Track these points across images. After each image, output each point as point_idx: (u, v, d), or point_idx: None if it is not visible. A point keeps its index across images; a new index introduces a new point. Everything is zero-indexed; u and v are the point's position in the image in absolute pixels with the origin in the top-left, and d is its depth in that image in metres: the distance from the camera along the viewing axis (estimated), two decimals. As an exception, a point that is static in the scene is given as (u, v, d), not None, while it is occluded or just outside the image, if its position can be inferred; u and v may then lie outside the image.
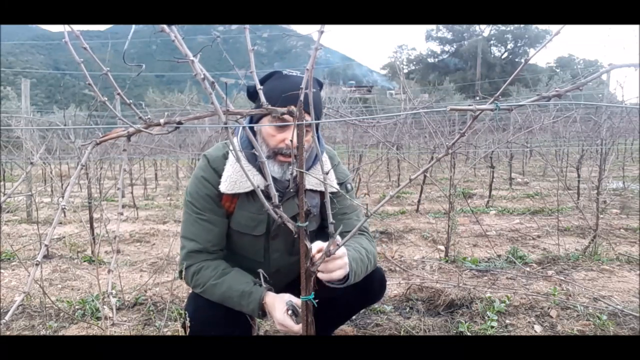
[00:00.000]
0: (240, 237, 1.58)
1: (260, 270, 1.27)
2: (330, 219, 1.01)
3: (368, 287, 1.68)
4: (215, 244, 1.53)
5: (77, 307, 2.45)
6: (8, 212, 5.48)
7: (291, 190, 1.40)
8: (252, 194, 1.51)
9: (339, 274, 1.24)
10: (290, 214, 1.38)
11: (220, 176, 1.51)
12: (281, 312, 1.32)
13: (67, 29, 0.74)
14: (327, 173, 1.57)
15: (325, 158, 1.57)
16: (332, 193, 1.50)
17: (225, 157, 1.53)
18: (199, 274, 1.48)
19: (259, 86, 0.88)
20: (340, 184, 1.59)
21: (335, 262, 1.23)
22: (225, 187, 1.48)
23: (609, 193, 5.45)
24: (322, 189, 1.51)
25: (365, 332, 2.12)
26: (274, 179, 1.40)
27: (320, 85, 1.52)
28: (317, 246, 1.21)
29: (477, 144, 5.65)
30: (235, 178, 1.48)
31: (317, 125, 1.43)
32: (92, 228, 3.53)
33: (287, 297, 1.36)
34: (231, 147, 1.54)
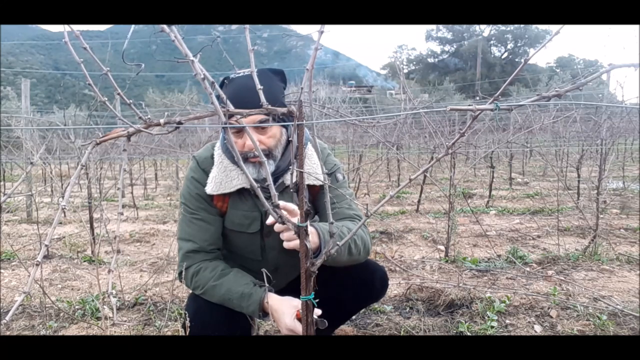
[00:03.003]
0: (236, 236, 1.58)
1: (264, 270, 1.27)
2: (330, 219, 1.01)
3: (369, 286, 1.67)
4: (212, 243, 1.53)
5: (77, 307, 2.45)
6: (8, 212, 5.48)
7: (291, 189, 1.40)
8: (242, 192, 1.51)
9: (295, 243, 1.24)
10: None
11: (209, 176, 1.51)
12: (290, 318, 1.31)
13: (67, 29, 0.74)
14: (329, 173, 1.57)
15: (311, 151, 1.53)
16: (321, 186, 1.50)
17: (213, 157, 1.54)
18: (198, 276, 1.48)
19: (259, 86, 0.87)
20: (329, 174, 1.58)
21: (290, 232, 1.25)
22: (210, 188, 1.49)
23: (609, 193, 5.45)
24: (310, 182, 1.50)
25: (365, 332, 2.12)
26: (254, 179, 1.40)
27: (278, 74, 1.48)
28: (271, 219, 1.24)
29: (477, 144, 5.64)
30: (220, 179, 1.49)
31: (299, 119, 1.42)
32: (92, 228, 3.53)
33: (295, 301, 1.35)
34: (215, 149, 1.55)
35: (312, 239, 1.26)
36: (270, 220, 1.29)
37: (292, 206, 1.28)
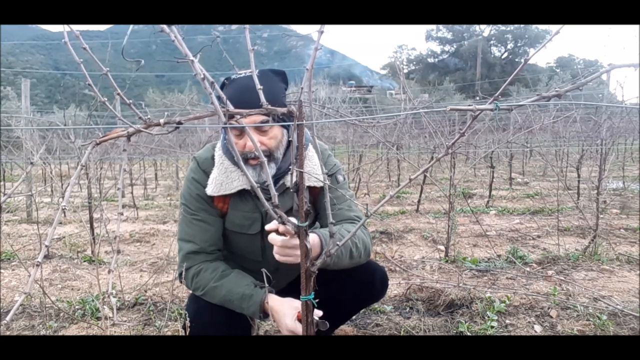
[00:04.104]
0: (236, 237, 1.57)
1: (264, 270, 1.27)
2: (330, 219, 1.01)
3: (369, 286, 1.67)
4: (212, 244, 1.53)
5: (77, 307, 2.45)
6: (8, 212, 5.48)
7: (291, 190, 1.40)
8: (243, 193, 1.51)
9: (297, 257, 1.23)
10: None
11: (209, 177, 1.51)
12: (291, 319, 1.31)
13: (66, 29, 0.74)
14: (329, 174, 1.57)
15: (312, 153, 1.53)
16: (322, 187, 1.49)
17: (214, 158, 1.53)
18: (198, 277, 1.48)
19: (259, 86, 0.87)
20: (330, 176, 1.58)
21: (292, 241, 1.24)
22: (211, 189, 1.48)
23: (609, 193, 5.45)
24: (311, 183, 1.50)
25: (365, 332, 2.12)
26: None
27: (279, 75, 1.48)
28: (274, 225, 1.24)
29: (477, 144, 5.64)
30: (221, 180, 1.48)
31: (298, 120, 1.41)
32: (92, 228, 3.53)
33: (295, 302, 1.35)
34: (216, 150, 1.55)
35: (314, 243, 1.26)
36: (269, 226, 1.28)
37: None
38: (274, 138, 1.44)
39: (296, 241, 1.11)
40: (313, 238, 1.27)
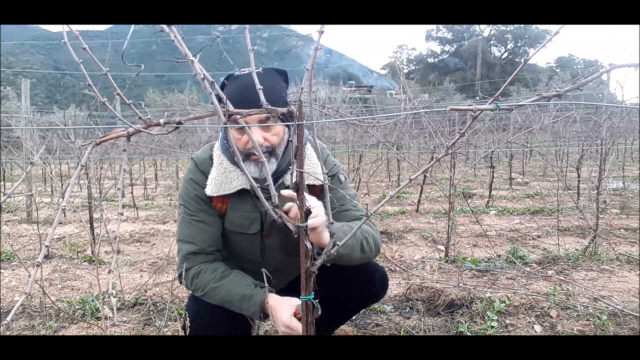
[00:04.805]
0: (236, 237, 1.57)
1: (264, 270, 1.27)
2: (330, 219, 1.01)
3: (370, 286, 1.67)
4: (212, 244, 1.53)
5: (77, 307, 2.45)
6: (8, 212, 5.48)
7: (291, 189, 1.39)
8: (242, 193, 1.51)
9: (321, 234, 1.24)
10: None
11: (208, 178, 1.51)
12: (287, 314, 1.31)
13: (66, 29, 0.74)
14: (329, 175, 1.57)
15: (310, 151, 1.52)
16: (322, 186, 1.49)
17: (212, 158, 1.53)
18: (198, 278, 1.48)
19: (258, 86, 0.87)
20: (332, 176, 1.57)
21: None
22: (210, 189, 1.48)
23: (609, 193, 5.45)
24: (310, 182, 1.50)
25: (365, 332, 2.12)
26: (254, 178, 1.38)
27: (282, 74, 1.48)
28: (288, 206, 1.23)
29: (477, 144, 5.64)
30: (220, 180, 1.48)
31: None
32: (92, 228, 3.53)
33: (294, 300, 1.34)
34: (214, 150, 1.54)
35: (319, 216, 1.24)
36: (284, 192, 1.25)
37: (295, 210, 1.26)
38: (277, 134, 1.43)
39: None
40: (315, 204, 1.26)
